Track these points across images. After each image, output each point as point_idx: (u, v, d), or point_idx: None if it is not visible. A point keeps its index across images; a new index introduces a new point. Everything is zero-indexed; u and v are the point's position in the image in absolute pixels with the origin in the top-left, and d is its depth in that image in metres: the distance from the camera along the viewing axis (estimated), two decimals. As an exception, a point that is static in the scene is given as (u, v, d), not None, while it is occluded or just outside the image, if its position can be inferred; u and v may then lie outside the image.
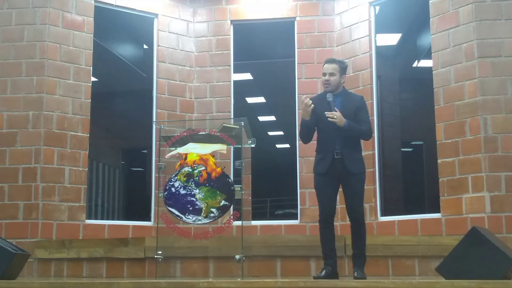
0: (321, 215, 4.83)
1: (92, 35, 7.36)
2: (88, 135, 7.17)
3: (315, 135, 4.95)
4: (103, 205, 8.20)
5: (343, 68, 4.90)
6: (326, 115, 4.68)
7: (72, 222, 6.89)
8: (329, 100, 4.77)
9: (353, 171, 4.74)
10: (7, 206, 6.69)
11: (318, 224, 4.86)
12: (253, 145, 5.11)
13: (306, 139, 4.95)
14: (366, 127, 4.81)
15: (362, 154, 4.97)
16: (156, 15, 7.94)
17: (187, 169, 5.07)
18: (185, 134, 5.07)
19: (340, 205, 5.19)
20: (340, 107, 4.74)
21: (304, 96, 4.82)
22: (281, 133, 10.93)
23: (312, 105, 4.71)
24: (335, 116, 4.65)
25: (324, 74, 4.86)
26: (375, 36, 7.55)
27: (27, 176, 6.74)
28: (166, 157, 5.15)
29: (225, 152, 5.19)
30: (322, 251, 4.81)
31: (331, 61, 4.95)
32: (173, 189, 5.07)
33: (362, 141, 4.98)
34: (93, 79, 7.33)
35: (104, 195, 8.25)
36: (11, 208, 6.68)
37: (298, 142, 7.66)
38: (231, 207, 5.11)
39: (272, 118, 11.07)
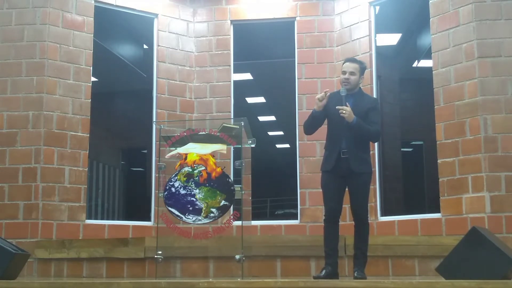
0: (326, 213, 4.84)
1: (92, 35, 7.36)
2: (88, 135, 7.17)
3: (325, 132, 4.95)
4: (103, 205, 8.20)
5: (362, 69, 4.93)
6: (337, 108, 4.68)
7: (72, 222, 6.89)
8: (342, 95, 4.78)
9: (357, 171, 4.74)
10: (7, 206, 6.69)
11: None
12: (253, 145, 5.10)
13: (309, 129, 5.00)
14: (374, 128, 4.80)
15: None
16: (156, 15, 7.94)
17: (187, 169, 5.07)
18: (185, 134, 5.07)
19: (343, 205, 5.18)
20: (352, 106, 4.73)
21: (327, 90, 4.83)
22: (281, 133, 10.93)
23: (324, 101, 4.74)
24: (344, 111, 4.66)
25: (344, 73, 4.86)
26: (375, 36, 7.55)
27: (27, 176, 6.74)
28: (166, 157, 5.15)
29: (225, 152, 5.18)
30: (324, 249, 4.80)
31: (352, 60, 4.99)
32: (173, 189, 5.07)
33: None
34: (93, 79, 7.33)
35: (104, 195, 8.26)
36: (11, 208, 6.68)
37: (298, 142, 7.67)
38: (231, 207, 5.11)
39: (272, 118, 11.08)
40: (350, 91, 4.84)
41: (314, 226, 7.21)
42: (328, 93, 4.81)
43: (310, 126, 4.98)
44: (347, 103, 4.72)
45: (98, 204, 8.06)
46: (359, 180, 4.77)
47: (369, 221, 4.93)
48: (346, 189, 4.84)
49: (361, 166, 4.77)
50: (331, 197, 4.78)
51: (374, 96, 7.32)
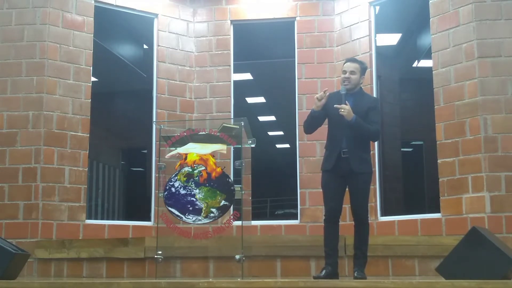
0: (326, 213, 4.84)
1: (92, 35, 7.36)
2: (88, 135, 7.17)
3: (326, 132, 4.95)
4: (103, 205, 8.20)
5: (363, 69, 4.94)
6: (335, 106, 4.68)
7: (72, 222, 6.89)
8: (342, 93, 4.78)
9: (357, 171, 4.73)
10: (7, 206, 6.69)
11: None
12: (253, 145, 5.10)
13: (308, 128, 5.00)
14: (374, 127, 4.80)
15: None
16: (156, 15, 7.94)
17: (187, 169, 5.07)
18: (185, 134, 5.07)
19: (343, 205, 5.18)
20: (352, 105, 4.72)
21: (326, 89, 4.85)
22: (281, 133, 10.94)
23: (323, 100, 4.75)
24: (343, 109, 4.66)
25: (345, 72, 4.86)
26: (375, 36, 7.55)
27: (27, 176, 6.74)
28: (166, 157, 5.15)
29: (225, 152, 5.19)
30: (324, 249, 4.80)
31: (353, 60, 5.00)
32: (173, 189, 5.07)
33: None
34: (93, 79, 7.33)
35: (104, 195, 8.26)
36: (11, 208, 6.68)
37: (298, 142, 7.67)
38: (231, 207, 5.11)
39: (272, 118, 11.08)
40: (350, 90, 4.84)
41: (314, 226, 7.21)
42: (328, 93, 4.81)
43: (310, 126, 4.98)
44: (346, 102, 4.72)
45: (98, 204, 8.06)
46: (360, 180, 4.76)
47: (369, 221, 4.93)
48: (346, 189, 4.84)
49: (361, 166, 4.77)
50: (332, 197, 4.78)
51: (374, 96, 7.31)
